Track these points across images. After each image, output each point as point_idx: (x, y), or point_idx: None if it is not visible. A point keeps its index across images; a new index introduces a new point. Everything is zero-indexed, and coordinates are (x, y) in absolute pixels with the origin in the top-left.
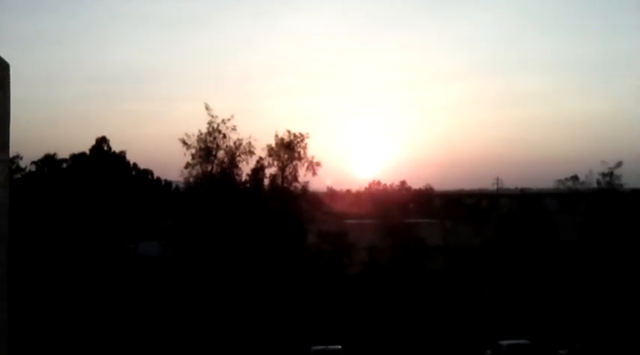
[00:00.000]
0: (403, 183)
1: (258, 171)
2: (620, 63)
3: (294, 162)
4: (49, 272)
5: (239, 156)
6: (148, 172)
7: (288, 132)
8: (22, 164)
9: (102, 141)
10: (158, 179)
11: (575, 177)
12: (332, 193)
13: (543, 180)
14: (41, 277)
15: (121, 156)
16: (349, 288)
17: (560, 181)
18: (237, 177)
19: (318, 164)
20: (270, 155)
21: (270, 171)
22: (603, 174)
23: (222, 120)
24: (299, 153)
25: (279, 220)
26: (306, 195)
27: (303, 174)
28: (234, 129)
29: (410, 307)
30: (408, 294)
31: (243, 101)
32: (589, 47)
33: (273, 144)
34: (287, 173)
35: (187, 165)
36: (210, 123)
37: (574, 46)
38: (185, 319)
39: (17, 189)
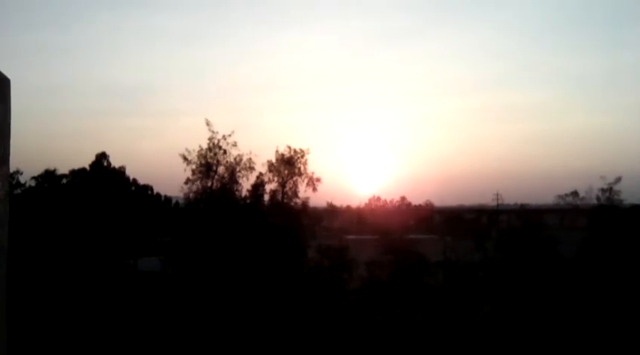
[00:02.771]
0: (403, 198)
1: (258, 186)
2: (619, 78)
3: (295, 178)
4: (48, 287)
5: (239, 171)
6: (147, 188)
7: (289, 147)
8: (22, 179)
9: (102, 156)
10: (158, 194)
11: (575, 193)
12: (332, 209)
13: (543, 195)
14: (41, 292)
15: (120, 172)
16: (349, 304)
17: (560, 197)
18: (237, 192)
19: (318, 180)
20: (270, 171)
21: (270, 186)
22: (603, 190)
23: (223, 136)
24: (299, 168)
25: (279, 236)
26: (306, 211)
27: (303, 190)
28: (234, 145)
29: (410, 323)
30: (408, 310)
31: (243, 116)
32: (589, 63)
33: (274, 160)
34: (287, 189)
35: (187, 181)
36: (210, 138)
37: (574, 61)
38: (184, 334)
39: (17, 205)
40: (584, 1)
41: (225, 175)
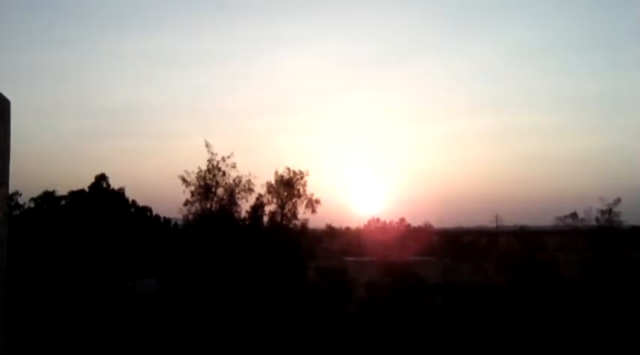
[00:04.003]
0: (402, 220)
1: (257, 208)
2: (619, 100)
3: (294, 200)
4: (47, 308)
5: (238, 193)
6: (147, 209)
7: (288, 169)
8: (21, 201)
9: (101, 178)
10: (157, 216)
11: (574, 215)
12: (331, 230)
13: (542, 217)
14: (40, 313)
15: (120, 193)
16: (348, 325)
17: (559, 218)
18: (236, 214)
19: (317, 201)
20: (269, 192)
21: (269, 208)
22: (602, 211)
23: (222, 158)
24: (298, 190)
25: (279, 257)
26: (305, 233)
27: (302, 212)
28: (233, 166)
29: (409, 344)
30: (406, 331)
31: (242, 138)
32: (588, 84)
33: (273, 182)
34: (286, 210)
35: (187, 203)
36: (209, 160)
37: (573, 83)
38: None
39: (16, 226)
40: (582, 23)
41: (225, 197)
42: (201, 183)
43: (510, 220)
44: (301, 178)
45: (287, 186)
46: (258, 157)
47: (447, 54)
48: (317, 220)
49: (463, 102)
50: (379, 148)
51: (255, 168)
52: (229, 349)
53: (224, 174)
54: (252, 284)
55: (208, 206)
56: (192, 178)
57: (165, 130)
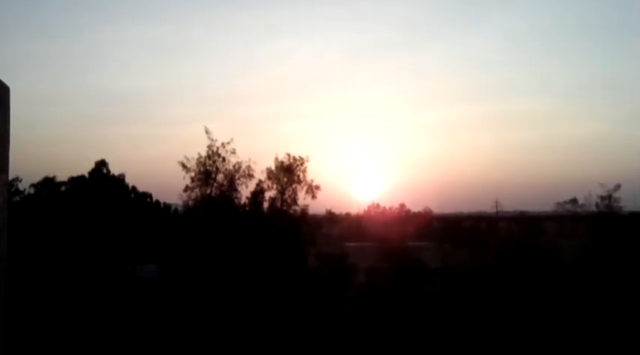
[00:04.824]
0: (402, 206)
1: (257, 194)
2: (618, 85)
3: (294, 186)
4: (47, 294)
5: (238, 179)
6: (147, 195)
7: (288, 155)
8: (21, 187)
9: (101, 164)
10: (157, 202)
11: (574, 200)
12: (331, 216)
13: (543, 203)
14: (40, 300)
15: (120, 179)
16: (348, 310)
17: (559, 204)
18: (236, 200)
19: (317, 187)
20: (269, 178)
21: (269, 194)
22: (602, 197)
23: (222, 144)
24: (298, 176)
25: (279, 243)
26: (305, 218)
27: (302, 198)
28: (233, 152)
29: (409, 330)
30: (406, 317)
31: (242, 124)
32: (588, 70)
33: (273, 168)
34: (286, 196)
35: (186, 188)
36: (209, 146)
37: (573, 68)
38: (184, 341)
39: (16, 212)
40: (582, 9)
41: (225, 182)
42: (201, 169)
43: (510, 206)
44: (301, 164)
45: (287, 172)
46: (258, 143)
47: (446, 41)
48: (317, 206)
49: (463, 89)
50: (379, 135)
51: (256, 155)
52: (229, 335)
53: (224, 160)
54: (253, 270)
55: (208, 192)
56: (192, 164)
57: (165, 116)
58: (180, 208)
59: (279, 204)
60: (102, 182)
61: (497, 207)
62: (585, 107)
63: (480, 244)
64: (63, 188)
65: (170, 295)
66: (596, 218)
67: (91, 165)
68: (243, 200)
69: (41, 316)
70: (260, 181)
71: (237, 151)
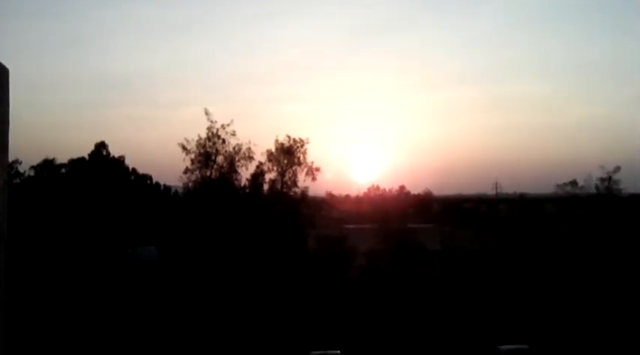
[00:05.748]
0: (402, 187)
1: (257, 176)
2: (619, 68)
3: (294, 168)
4: (48, 277)
5: (238, 161)
6: (147, 177)
7: (288, 137)
8: (21, 169)
9: (101, 146)
10: (157, 184)
11: (574, 182)
12: (331, 198)
13: (542, 185)
14: (40, 282)
15: (120, 161)
16: (348, 293)
17: (559, 186)
18: (236, 182)
19: (317, 169)
20: (269, 160)
21: (269, 176)
22: (602, 179)
23: (222, 126)
24: (298, 158)
25: (279, 225)
26: (305, 200)
27: (302, 180)
28: (233, 134)
29: (409, 311)
30: (406, 298)
31: (243, 106)
32: (588, 53)
33: (273, 150)
34: (286, 178)
35: (186, 170)
36: (209, 128)
37: (573, 51)
38: (184, 323)
39: (16, 194)
40: None
41: (225, 164)
42: (201, 150)
43: (510, 187)
44: (301, 146)
45: (287, 154)
46: (258, 126)
47: (447, 23)
48: (317, 188)
49: (464, 70)
50: (379, 117)
51: (256, 137)
52: (229, 317)
53: (224, 141)
54: (252, 252)
55: (208, 174)
56: (192, 146)
57: (165, 99)
58: (180, 190)
59: (279, 186)
60: (102, 164)
61: (497, 188)
62: (586, 90)
63: (480, 226)
64: (63, 170)
65: (170, 277)
66: (596, 200)
67: (90, 147)
68: (243, 182)
69: (42, 299)
70: (260, 163)
71: (237, 133)
